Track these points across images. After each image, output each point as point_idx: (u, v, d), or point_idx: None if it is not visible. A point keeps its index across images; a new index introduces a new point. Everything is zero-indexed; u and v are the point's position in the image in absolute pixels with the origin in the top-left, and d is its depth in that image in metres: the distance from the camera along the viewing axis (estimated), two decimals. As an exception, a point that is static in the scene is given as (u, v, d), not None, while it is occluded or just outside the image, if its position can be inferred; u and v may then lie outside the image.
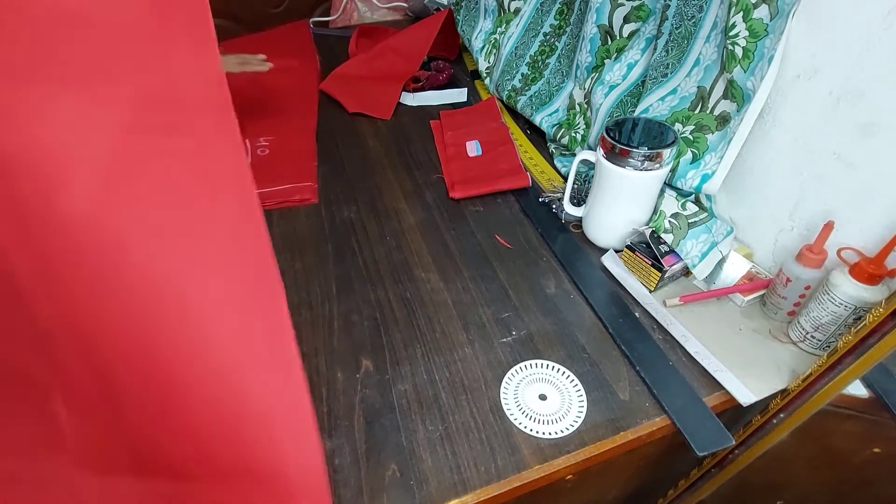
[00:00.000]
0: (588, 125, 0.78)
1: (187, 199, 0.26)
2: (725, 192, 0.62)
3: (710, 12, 0.58)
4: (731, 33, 0.53)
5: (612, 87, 0.73)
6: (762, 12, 0.51)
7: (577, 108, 0.81)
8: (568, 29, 0.84)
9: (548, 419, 0.47)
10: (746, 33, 0.52)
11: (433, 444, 0.45)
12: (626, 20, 0.71)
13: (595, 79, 0.76)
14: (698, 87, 0.61)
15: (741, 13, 0.52)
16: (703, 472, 0.58)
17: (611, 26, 0.72)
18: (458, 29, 1.07)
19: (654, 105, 0.66)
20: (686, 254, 0.59)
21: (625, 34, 0.72)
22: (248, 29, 1.73)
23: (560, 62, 0.86)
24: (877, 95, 0.45)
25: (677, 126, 0.63)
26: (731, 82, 0.56)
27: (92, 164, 0.23)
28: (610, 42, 0.74)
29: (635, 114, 0.68)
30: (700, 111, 0.61)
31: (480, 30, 1.01)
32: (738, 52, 0.53)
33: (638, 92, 0.71)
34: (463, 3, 1.06)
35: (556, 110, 0.86)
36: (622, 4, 0.70)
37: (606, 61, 0.75)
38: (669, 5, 0.61)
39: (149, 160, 0.25)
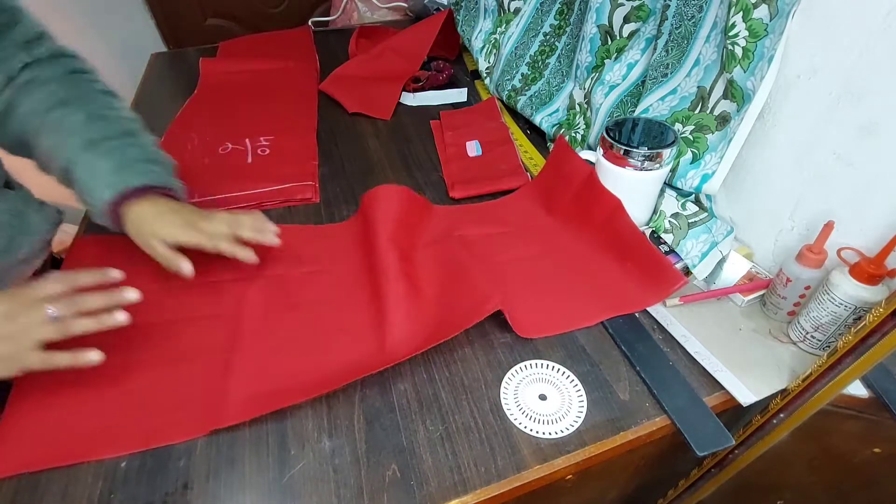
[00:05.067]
0: (588, 125, 0.78)
1: None
2: (725, 191, 0.63)
3: (710, 12, 0.58)
4: (730, 33, 0.53)
5: (612, 87, 0.73)
6: (762, 12, 0.51)
7: (577, 108, 0.81)
8: (568, 29, 0.84)
9: (548, 419, 0.47)
10: (746, 33, 0.52)
11: (433, 443, 0.45)
12: (626, 20, 0.71)
13: (595, 79, 0.76)
14: (698, 87, 0.61)
15: (741, 13, 0.52)
16: (703, 472, 0.58)
17: (611, 26, 0.73)
18: (458, 29, 1.07)
19: (654, 105, 0.66)
20: (686, 254, 0.59)
21: (625, 34, 0.72)
22: (248, 29, 1.74)
23: (560, 62, 0.86)
24: (877, 95, 0.45)
25: (677, 126, 0.63)
26: (730, 82, 0.56)
27: None
28: (610, 42, 0.74)
29: (635, 114, 0.68)
30: (700, 111, 0.61)
31: (480, 30, 1.01)
32: (738, 52, 0.53)
33: (638, 92, 0.71)
34: (463, 3, 1.06)
35: (556, 110, 0.86)
36: (622, 4, 0.70)
37: (606, 61, 0.75)
38: (669, 5, 0.61)
39: None
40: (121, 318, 0.46)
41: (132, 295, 0.47)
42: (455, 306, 0.54)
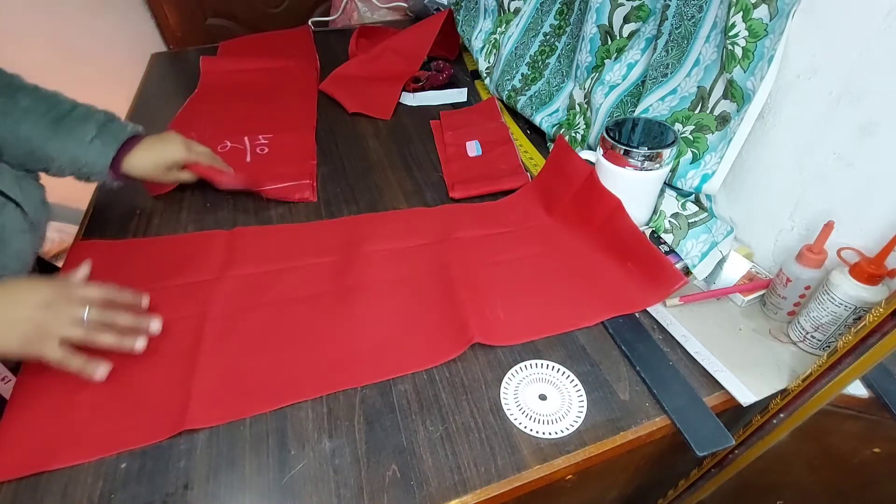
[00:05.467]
0: (588, 125, 0.78)
1: None
2: (725, 191, 0.63)
3: (710, 12, 0.58)
4: (730, 33, 0.53)
5: (612, 87, 0.73)
6: (762, 12, 0.51)
7: (577, 108, 0.81)
8: (568, 29, 0.84)
9: (548, 419, 0.47)
10: (746, 33, 0.52)
11: (433, 444, 0.45)
12: (626, 20, 0.71)
13: (595, 79, 0.76)
14: (698, 87, 0.61)
15: (741, 13, 0.52)
16: (703, 472, 0.58)
17: (611, 26, 0.72)
18: (458, 29, 1.07)
19: (654, 105, 0.66)
20: (686, 254, 0.59)
21: (625, 34, 0.72)
22: (248, 29, 1.74)
23: (560, 62, 0.86)
24: (877, 95, 0.45)
25: (677, 126, 0.63)
26: (730, 82, 0.56)
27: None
28: (610, 42, 0.74)
29: (635, 114, 0.68)
30: (700, 111, 0.61)
31: (480, 30, 1.01)
32: (738, 52, 0.53)
33: (638, 92, 0.71)
34: (463, 3, 1.06)
35: (556, 110, 0.86)
36: (622, 4, 0.70)
37: (606, 61, 0.75)
38: (669, 5, 0.61)
39: None
40: (139, 345, 0.50)
41: (155, 326, 0.52)
42: (430, 337, 0.54)
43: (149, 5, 1.58)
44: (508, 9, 0.95)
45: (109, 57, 1.61)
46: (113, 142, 0.62)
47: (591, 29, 0.74)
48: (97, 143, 0.61)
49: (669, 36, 0.62)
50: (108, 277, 0.60)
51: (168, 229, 0.68)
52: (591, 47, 0.76)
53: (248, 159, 0.81)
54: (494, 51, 0.97)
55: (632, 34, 0.72)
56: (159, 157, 0.66)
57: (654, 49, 0.65)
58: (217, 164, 0.72)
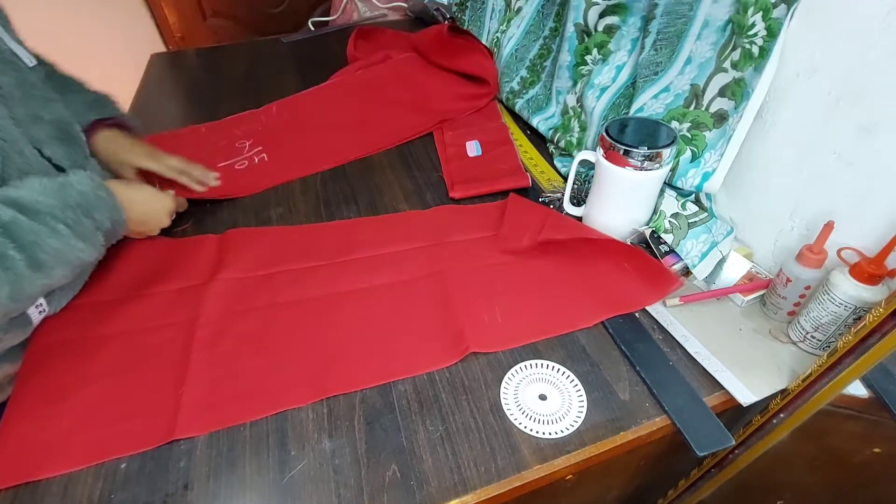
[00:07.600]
0: (583, 129, 0.77)
1: None
2: (725, 191, 0.63)
3: (700, 10, 0.58)
4: (749, 32, 0.53)
5: (602, 90, 0.73)
6: (780, 11, 0.50)
7: (571, 111, 0.81)
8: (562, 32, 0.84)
9: (548, 419, 0.47)
10: (765, 32, 0.52)
11: (433, 444, 0.45)
12: (601, 15, 0.71)
13: (585, 82, 0.76)
14: (691, 84, 0.61)
15: (760, 12, 0.51)
16: (703, 472, 0.58)
17: (586, 24, 0.73)
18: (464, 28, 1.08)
19: (649, 103, 0.66)
20: (686, 254, 0.59)
21: (600, 28, 0.72)
22: (248, 29, 1.74)
23: (555, 66, 0.87)
24: (877, 95, 0.45)
25: (674, 123, 0.63)
26: (739, 81, 0.55)
27: None
28: (587, 39, 0.74)
29: (630, 113, 0.68)
30: (695, 108, 0.61)
31: (488, 30, 1.02)
32: (755, 51, 0.53)
33: (629, 93, 0.71)
34: (469, 4, 1.06)
35: (552, 115, 0.86)
36: (596, 3, 0.70)
37: (594, 65, 0.75)
38: (658, 4, 0.61)
39: None
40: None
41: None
42: (424, 345, 0.53)
43: (149, 5, 1.59)
44: (513, 8, 0.95)
45: (109, 57, 1.61)
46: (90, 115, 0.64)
47: (569, 28, 0.74)
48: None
49: (658, 34, 0.62)
50: (102, 282, 0.60)
51: (168, 230, 0.68)
52: (569, 46, 0.76)
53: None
54: (495, 50, 0.97)
55: (609, 28, 0.71)
56: (131, 155, 0.66)
57: (642, 48, 0.65)
58: (186, 177, 0.70)
